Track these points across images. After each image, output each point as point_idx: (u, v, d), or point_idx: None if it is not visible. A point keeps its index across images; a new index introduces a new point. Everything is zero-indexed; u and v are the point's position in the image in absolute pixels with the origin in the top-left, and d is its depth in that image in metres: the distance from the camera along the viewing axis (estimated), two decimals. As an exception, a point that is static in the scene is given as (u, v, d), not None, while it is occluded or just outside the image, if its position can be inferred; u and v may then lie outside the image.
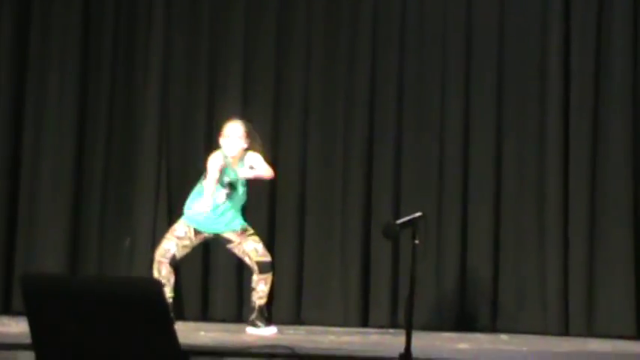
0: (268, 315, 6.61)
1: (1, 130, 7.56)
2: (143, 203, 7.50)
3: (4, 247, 7.48)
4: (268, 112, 7.47)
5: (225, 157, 6.30)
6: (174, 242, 6.29)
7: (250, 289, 6.41)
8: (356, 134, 7.42)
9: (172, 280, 6.28)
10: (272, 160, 7.32)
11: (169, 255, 6.28)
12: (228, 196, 6.28)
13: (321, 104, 7.49)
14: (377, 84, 7.44)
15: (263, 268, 6.31)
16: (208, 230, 6.36)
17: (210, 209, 6.18)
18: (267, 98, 7.50)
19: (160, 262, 6.27)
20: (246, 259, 6.37)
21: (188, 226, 6.32)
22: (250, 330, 6.33)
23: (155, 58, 7.57)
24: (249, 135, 6.33)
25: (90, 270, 7.42)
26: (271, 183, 7.26)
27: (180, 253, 6.32)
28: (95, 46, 7.66)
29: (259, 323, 6.32)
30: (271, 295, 6.74)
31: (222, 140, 6.34)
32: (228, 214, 6.32)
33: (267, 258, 6.35)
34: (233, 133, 6.31)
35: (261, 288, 6.34)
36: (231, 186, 6.29)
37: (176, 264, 6.37)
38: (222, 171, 6.27)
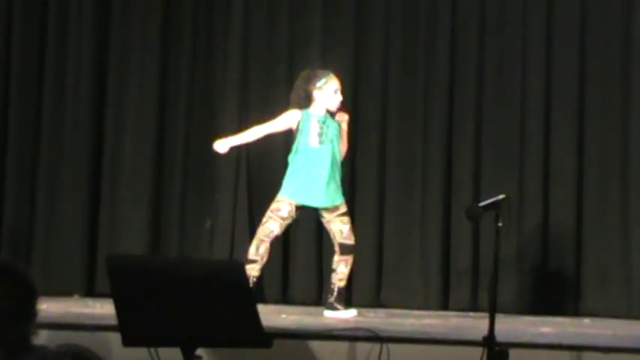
0: (348, 298, 6.60)
1: (83, 113, 7.64)
2: (223, 185, 7.53)
3: (86, 230, 7.57)
4: (347, 93, 7.43)
5: (313, 115, 6.26)
6: (279, 223, 6.28)
7: (330, 271, 6.40)
8: (435, 114, 7.36)
9: (265, 259, 6.29)
10: (351, 142, 7.33)
11: (272, 235, 6.28)
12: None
13: (400, 85, 7.44)
14: (456, 63, 7.37)
15: (345, 250, 6.29)
16: (313, 204, 6.28)
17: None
18: (345, 78, 7.45)
19: (261, 241, 6.27)
20: (331, 236, 6.35)
21: (290, 204, 6.27)
22: (328, 313, 6.31)
23: (234, 40, 7.59)
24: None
25: (171, 252, 7.49)
26: (350, 165, 7.24)
27: (281, 232, 6.34)
28: (175, 27, 7.69)
29: (338, 306, 6.30)
30: (350, 277, 6.73)
31: (320, 94, 6.30)
32: (331, 185, 6.27)
33: (351, 241, 6.31)
34: (335, 88, 6.30)
35: (341, 269, 6.31)
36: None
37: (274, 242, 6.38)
38: (299, 129, 6.25)
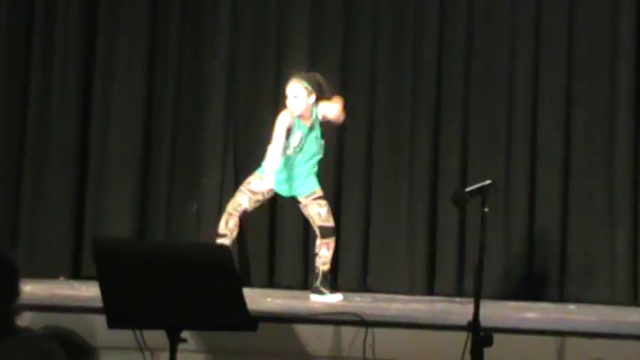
0: (333, 282, 6.60)
1: (70, 96, 7.61)
2: (210, 169, 7.53)
3: (73, 212, 7.56)
4: (335, 77, 7.42)
5: (295, 116, 6.28)
6: (248, 197, 6.29)
7: (314, 255, 6.41)
8: (424, 99, 7.37)
9: (235, 233, 6.30)
10: (339, 132, 7.32)
11: (241, 209, 6.29)
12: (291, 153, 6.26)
13: (389, 70, 7.44)
14: (445, 49, 7.37)
15: (325, 232, 6.29)
16: (279, 191, 6.35)
17: (277, 169, 6.18)
18: (334, 62, 7.45)
19: (230, 215, 6.28)
20: (311, 222, 6.37)
21: (262, 180, 6.28)
22: (314, 297, 6.32)
23: (222, 24, 7.57)
24: (316, 88, 6.29)
25: (157, 235, 7.48)
26: (338, 149, 7.24)
27: (251, 207, 6.33)
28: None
29: (324, 290, 6.31)
30: (336, 262, 6.73)
31: (287, 101, 6.32)
32: (300, 177, 6.29)
33: (330, 223, 6.32)
34: (293, 93, 6.28)
35: (323, 253, 6.31)
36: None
37: (245, 218, 6.37)
38: (291, 130, 6.26)
